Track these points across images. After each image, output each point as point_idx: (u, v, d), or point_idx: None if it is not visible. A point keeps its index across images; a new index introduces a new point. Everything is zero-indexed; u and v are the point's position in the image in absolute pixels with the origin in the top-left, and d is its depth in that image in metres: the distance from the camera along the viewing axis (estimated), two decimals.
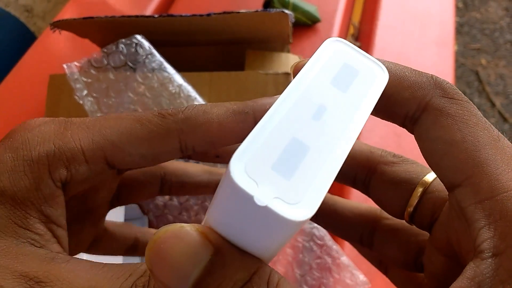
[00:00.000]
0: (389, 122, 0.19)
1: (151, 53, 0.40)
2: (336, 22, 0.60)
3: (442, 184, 0.17)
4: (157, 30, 0.46)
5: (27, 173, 0.17)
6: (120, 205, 0.25)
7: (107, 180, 0.22)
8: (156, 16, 0.44)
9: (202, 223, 0.15)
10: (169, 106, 0.37)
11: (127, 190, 0.25)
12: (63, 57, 0.58)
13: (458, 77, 1.58)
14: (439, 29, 0.62)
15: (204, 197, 0.40)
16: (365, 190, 0.21)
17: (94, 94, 0.39)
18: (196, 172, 0.26)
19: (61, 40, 0.57)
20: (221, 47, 0.51)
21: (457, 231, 0.16)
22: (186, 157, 0.23)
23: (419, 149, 0.18)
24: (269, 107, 0.19)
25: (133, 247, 0.27)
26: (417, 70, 0.17)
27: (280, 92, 0.15)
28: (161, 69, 0.39)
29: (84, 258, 0.18)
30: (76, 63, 0.39)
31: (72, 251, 0.23)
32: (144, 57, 0.40)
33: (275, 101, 0.19)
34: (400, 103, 0.17)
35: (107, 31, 0.47)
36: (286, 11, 0.44)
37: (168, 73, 0.39)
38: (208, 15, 0.43)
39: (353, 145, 0.21)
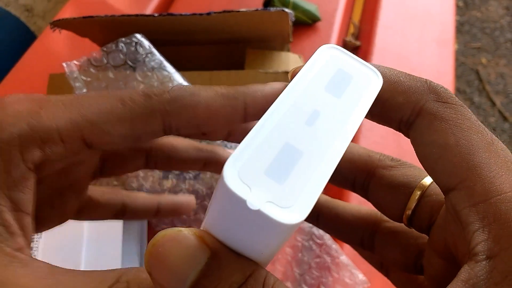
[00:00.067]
0: None
1: (151, 52, 0.40)
2: (336, 21, 0.60)
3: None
4: (157, 29, 0.46)
5: None
6: (103, 177, 0.25)
7: (87, 156, 0.22)
8: (156, 15, 0.44)
9: (201, 227, 0.16)
10: None
11: (111, 164, 0.24)
12: (63, 56, 0.58)
13: (458, 76, 1.58)
14: (439, 28, 0.62)
15: (203, 196, 0.40)
16: (364, 193, 0.22)
17: None
18: (184, 148, 0.26)
19: (61, 39, 0.57)
20: (221, 46, 0.51)
21: (453, 234, 0.16)
22: (174, 134, 0.22)
23: None
24: (261, 95, 0.19)
25: (121, 212, 0.27)
26: (411, 75, 0.18)
27: (280, 91, 0.15)
28: (161, 68, 0.39)
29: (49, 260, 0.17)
30: (75, 62, 0.39)
31: (57, 222, 0.23)
32: (144, 56, 0.40)
33: (268, 89, 0.19)
34: (395, 107, 0.17)
35: (107, 30, 0.47)
36: (286, 10, 0.43)
37: (168, 72, 0.39)
38: (208, 14, 0.43)
39: (352, 150, 0.21)
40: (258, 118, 0.21)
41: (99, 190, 0.26)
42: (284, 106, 0.15)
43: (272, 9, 0.44)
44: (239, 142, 0.24)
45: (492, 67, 1.61)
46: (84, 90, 0.38)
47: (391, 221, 0.22)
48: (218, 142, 0.34)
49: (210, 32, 0.49)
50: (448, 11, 0.65)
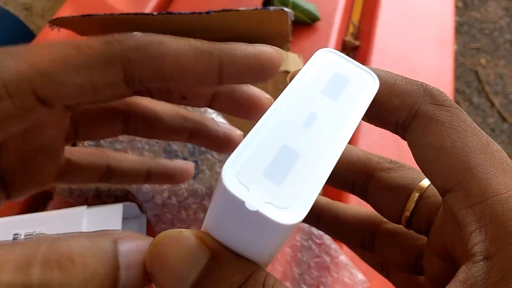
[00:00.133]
0: None
1: None
2: (335, 21, 0.60)
3: None
4: (156, 28, 0.46)
5: None
6: (78, 141, 0.23)
7: (52, 117, 0.20)
8: (155, 14, 0.44)
9: (201, 228, 0.16)
10: None
11: (85, 127, 0.23)
12: None
13: (457, 77, 1.58)
14: (438, 29, 0.62)
15: (203, 196, 0.40)
16: (363, 196, 0.22)
17: None
18: (168, 115, 0.24)
19: (60, 38, 0.57)
20: None
21: (451, 235, 0.17)
22: (148, 95, 0.20)
23: None
24: (241, 54, 0.18)
25: (107, 175, 0.25)
26: (408, 78, 0.18)
27: (279, 91, 0.15)
28: None
29: None
30: None
31: (36, 187, 0.22)
32: None
33: (251, 49, 0.18)
34: (391, 110, 0.17)
35: (106, 28, 0.46)
36: (286, 9, 0.44)
37: None
38: (207, 13, 0.43)
39: (351, 152, 0.21)
40: (236, 82, 0.19)
41: (81, 152, 0.24)
42: (282, 108, 0.15)
43: (271, 8, 0.44)
44: (222, 110, 0.23)
45: (491, 68, 1.61)
46: None
47: (391, 222, 0.22)
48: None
49: (209, 31, 0.49)
50: (447, 11, 0.65)
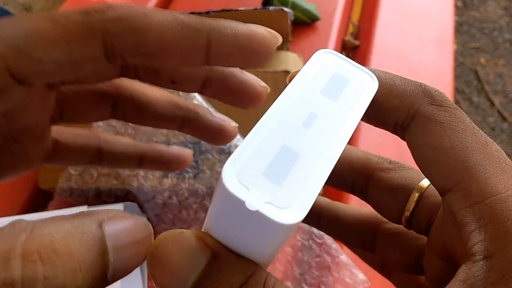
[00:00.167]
0: None
1: None
2: (335, 21, 0.60)
3: None
4: None
5: None
6: (64, 122, 0.22)
7: (33, 97, 0.19)
8: None
9: (202, 229, 0.16)
10: None
11: (71, 109, 0.22)
12: None
13: (457, 76, 1.58)
14: (438, 28, 0.62)
15: (203, 196, 0.40)
16: (363, 196, 0.22)
17: None
18: (160, 102, 0.23)
19: None
20: None
21: (451, 235, 0.17)
22: (135, 77, 0.19)
23: None
24: (231, 33, 0.17)
25: (97, 158, 0.24)
26: (406, 79, 0.18)
27: (279, 90, 0.15)
28: None
29: None
30: None
31: (23, 169, 0.21)
32: None
33: (242, 28, 0.17)
34: (390, 111, 0.17)
35: None
36: (285, 9, 0.44)
37: None
38: (207, 12, 0.43)
39: (351, 153, 0.21)
40: (224, 64, 0.18)
41: (70, 133, 0.23)
42: (281, 109, 0.15)
43: (271, 8, 0.44)
44: (215, 97, 0.22)
45: (491, 67, 1.61)
46: None
47: (391, 222, 0.22)
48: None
49: None
50: (447, 11, 0.65)
